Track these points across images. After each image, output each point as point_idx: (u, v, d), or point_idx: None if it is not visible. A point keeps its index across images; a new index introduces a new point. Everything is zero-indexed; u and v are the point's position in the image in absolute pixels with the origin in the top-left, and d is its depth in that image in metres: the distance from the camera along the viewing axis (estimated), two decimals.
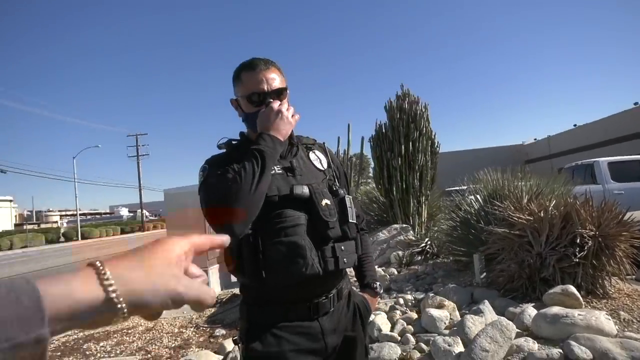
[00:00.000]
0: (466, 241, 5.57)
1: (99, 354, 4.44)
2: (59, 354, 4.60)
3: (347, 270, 1.43)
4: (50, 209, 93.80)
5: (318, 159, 1.46)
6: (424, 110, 8.15)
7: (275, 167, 1.31)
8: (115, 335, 5.05)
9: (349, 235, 1.35)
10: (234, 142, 1.42)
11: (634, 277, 4.51)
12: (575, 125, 29.85)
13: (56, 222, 76.82)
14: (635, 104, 23.59)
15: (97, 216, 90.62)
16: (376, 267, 1.64)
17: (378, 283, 1.59)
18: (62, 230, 42.56)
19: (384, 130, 8.20)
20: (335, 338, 1.34)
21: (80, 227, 40.30)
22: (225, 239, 0.59)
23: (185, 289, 0.48)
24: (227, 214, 1.14)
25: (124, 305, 0.43)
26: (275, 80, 1.35)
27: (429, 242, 6.70)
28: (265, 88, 1.33)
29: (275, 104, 1.28)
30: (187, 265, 0.53)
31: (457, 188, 8.81)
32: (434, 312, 3.66)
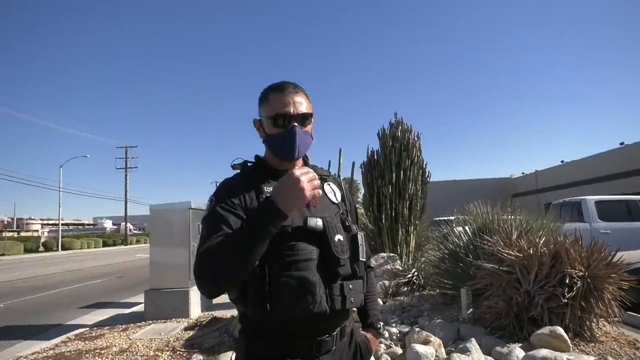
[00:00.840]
0: (454, 274, 5.50)
1: None
2: None
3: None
4: (32, 217, 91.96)
5: (332, 192, 1.42)
6: (416, 139, 8.19)
7: None
8: (87, 355, 4.84)
9: (358, 274, 1.30)
10: (249, 164, 1.39)
11: (621, 319, 4.47)
12: (562, 161, 30.36)
13: (37, 230, 75.19)
14: (621, 144, 24.12)
15: (79, 227, 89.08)
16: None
17: (382, 323, 1.55)
18: (42, 240, 41.64)
19: (375, 157, 8.21)
20: None
21: (62, 237, 39.49)
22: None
23: None
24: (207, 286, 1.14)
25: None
26: (302, 105, 1.33)
27: (416, 273, 6.63)
28: (292, 111, 1.30)
29: (298, 171, 1.13)
30: None
31: (445, 218, 8.79)
32: (420, 348, 3.56)
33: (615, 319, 4.21)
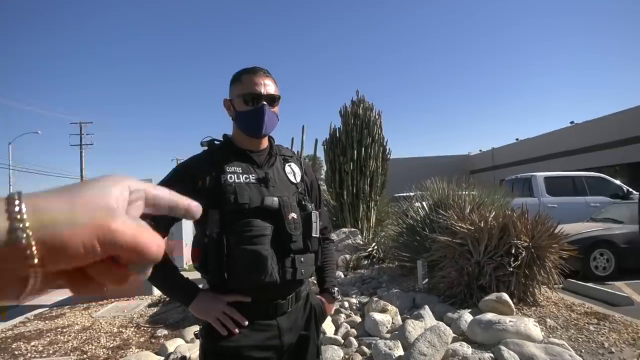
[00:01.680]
0: (411, 247, 5.76)
1: (29, 354, 4.22)
2: None
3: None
4: None
5: (292, 172, 1.52)
6: (377, 117, 8.34)
7: (251, 176, 1.38)
8: (49, 334, 4.81)
9: (310, 249, 1.43)
10: (216, 143, 1.48)
11: (561, 286, 4.86)
12: (517, 139, 31.48)
13: None
14: (572, 122, 25.25)
15: None
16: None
17: (337, 289, 1.68)
18: None
19: (337, 135, 8.32)
20: (291, 336, 1.42)
21: None
22: (195, 209, 0.44)
23: (122, 226, 0.33)
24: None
25: (31, 238, 0.30)
26: (271, 87, 1.44)
27: (375, 247, 6.86)
28: (262, 91, 1.41)
29: (221, 314, 1.33)
30: (133, 213, 0.38)
31: (405, 194, 9.07)
32: (377, 316, 3.77)
33: (556, 285, 4.58)
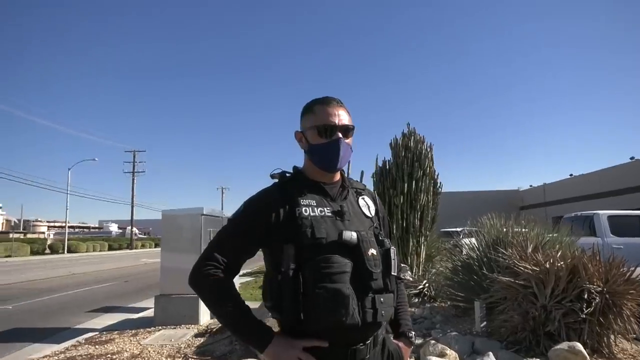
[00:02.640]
0: (467, 287, 5.46)
1: None
2: None
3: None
4: (39, 219, 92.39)
5: (367, 205, 1.44)
6: (428, 150, 8.19)
7: (326, 209, 1.31)
8: (99, 359, 4.84)
9: (389, 288, 1.32)
10: (287, 175, 1.42)
11: (638, 336, 4.42)
12: (571, 174, 30.19)
13: (43, 232, 75.59)
14: (632, 158, 23.96)
15: (85, 230, 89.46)
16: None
17: (413, 332, 1.56)
18: (48, 242, 41.83)
19: (387, 167, 8.20)
20: None
21: (68, 240, 39.66)
22: None
23: None
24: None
25: None
26: (345, 117, 1.39)
27: (426, 285, 6.59)
28: (336, 122, 1.36)
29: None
30: None
31: (453, 229, 8.75)
32: None
33: (633, 335, 4.16)
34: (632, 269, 4.11)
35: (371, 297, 1.26)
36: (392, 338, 1.52)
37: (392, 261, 1.33)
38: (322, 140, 1.36)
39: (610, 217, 9.08)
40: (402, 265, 7.34)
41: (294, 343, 1.24)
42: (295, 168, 1.45)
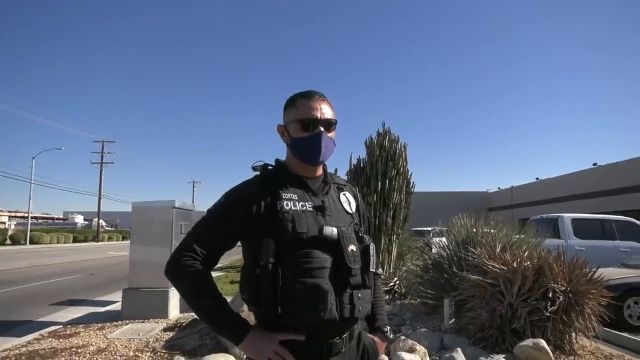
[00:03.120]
0: (437, 284, 5.57)
1: None
2: None
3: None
4: (0, 209, 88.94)
5: (348, 201, 1.44)
6: (402, 149, 8.28)
7: (307, 204, 1.30)
8: (63, 354, 4.70)
9: (367, 284, 1.34)
10: (269, 167, 1.40)
11: (597, 335, 4.60)
12: (537, 178, 31.11)
13: (4, 222, 72.72)
14: (594, 164, 24.90)
15: (49, 221, 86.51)
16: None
17: (388, 327, 1.57)
18: (9, 232, 40.31)
19: (362, 165, 8.25)
20: None
21: (30, 230, 38.31)
22: None
23: None
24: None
25: None
26: (328, 111, 1.38)
27: (397, 282, 6.68)
28: (318, 115, 1.35)
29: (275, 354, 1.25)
30: None
31: (424, 229, 8.90)
32: (406, 356, 3.59)
33: (593, 333, 4.33)
34: (594, 269, 4.28)
35: (349, 292, 1.27)
36: (367, 333, 1.54)
37: (371, 258, 1.35)
38: (304, 134, 1.35)
39: (573, 220, 9.43)
40: None
41: (271, 336, 1.24)
42: (277, 161, 1.44)
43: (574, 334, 4.13)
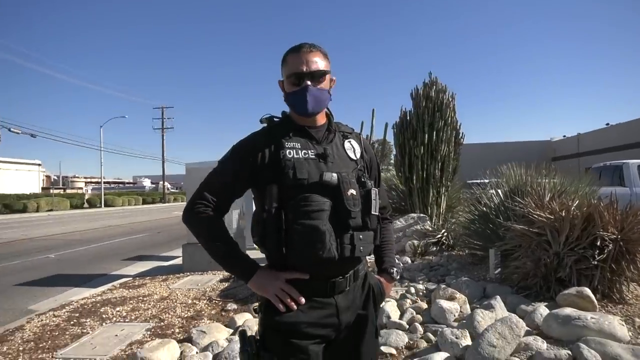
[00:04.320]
0: (483, 235, 5.51)
1: (115, 318, 4.59)
2: (77, 315, 4.78)
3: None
4: (76, 175, 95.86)
5: (352, 149, 1.50)
6: (450, 99, 8.01)
7: (310, 152, 1.38)
8: (131, 301, 5.21)
9: (369, 226, 1.40)
10: (275, 119, 1.48)
11: None
12: (607, 124, 28.95)
13: (81, 188, 78.68)
14: None
15: (120, 185, 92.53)
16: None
17: (395, 269, 1.65)
18: (86, 197, 43.71)
19: (408, 118, 8.10)
20: (348, 315, 1.41)
21: (104, 194, 41.32)
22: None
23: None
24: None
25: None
26: (315, 63, 1.41)
27: (445, 234, 6.66)
28: (304, 69, 1.39)
29: (280, 290, 1.36)
30: None
31: (479, 181, 8.67)
32: (445, 303, 3.66)
33: None
34: None
35: (350, 234, 1.34)
36: (375, 275, 1.62)
37: (373, 201, 1.40)
38: (294, 89, 1.41)
39: None
40: (422, 215, 7.41)
41: (277, 275, 1.35)
42: (283, 113, 1.51)
43: (625, 283, 3.98)
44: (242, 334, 1.40)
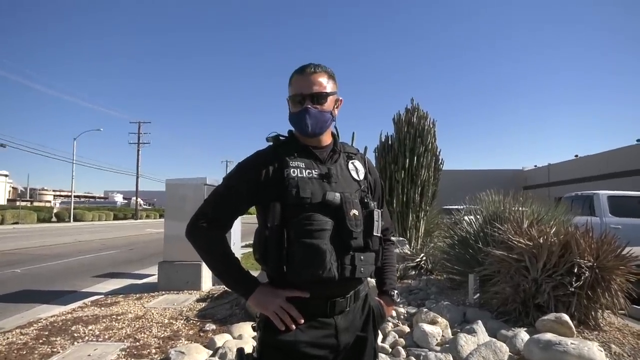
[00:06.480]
0: (462, 260, 5.59)
1: (87, 337, 4.42)
2: (46, 333, 4.58)
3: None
4: (45, 188, 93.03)
5: (356, 169, 1.51)
6: (431, 126, 8.21)
7: (314, 172, 1.39)
8: (104, 320, 5.03)
9: (371, 247, 1.40)
10: (281, 138, 1.50)
11: (625, 312, 4.53)
12: (576, 155, 30.03)
13: (49, 201, 76.29)
14: (638, 140, 23.79)
15: (91, 199, 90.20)
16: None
17: (396, 292, 1.66)
18: (54, 210, 42.35)
19: (390, 142, 8.24)
20: (347, 336, 1.40)
21: (74, 208, 40.14)
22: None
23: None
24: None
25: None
26: (318, 85, 1.43)
27: (424, 258, 6.72)
28: (306, 91, 1.41)
29: (279, 308, 1.35)
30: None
31: (456, 207, 8.83)
32: (427, 327, 3.67)
33: (621, 310, 4.28)
34: (623, 246, 4.19)
35: (351, 255, 1.35)
36: (375, 297, 1.62)
37: (375, 222, 1.41)
38: (295, 109, 1.44)
39: (610, 197, 9.14)
40: (400, 238, 7.47)
41: (278, 292, 1.35)
42: (290, 132, 1.52)
43: (600, 310, 4.09)
44: (240, 352, 1.39)
